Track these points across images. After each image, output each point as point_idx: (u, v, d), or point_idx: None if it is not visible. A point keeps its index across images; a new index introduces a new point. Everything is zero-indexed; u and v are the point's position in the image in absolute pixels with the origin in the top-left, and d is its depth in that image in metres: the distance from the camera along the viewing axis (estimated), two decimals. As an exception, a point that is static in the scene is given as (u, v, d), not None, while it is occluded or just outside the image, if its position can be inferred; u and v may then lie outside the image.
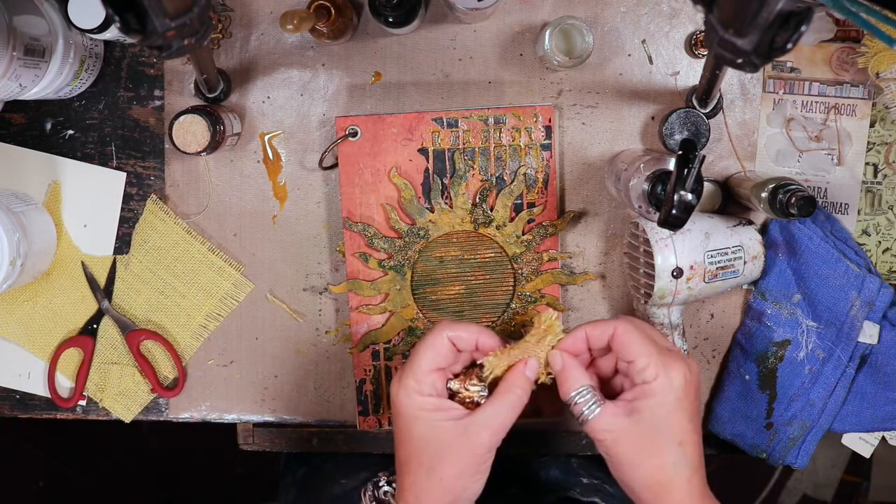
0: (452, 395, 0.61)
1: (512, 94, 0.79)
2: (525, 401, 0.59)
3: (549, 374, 0.62)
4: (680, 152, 0.58)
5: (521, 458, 0.92)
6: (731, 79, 0.78)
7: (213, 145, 0.73)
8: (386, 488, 0.61)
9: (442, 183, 0.78)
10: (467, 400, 0.60)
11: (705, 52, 0.77)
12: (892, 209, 0.79)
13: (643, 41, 0.79)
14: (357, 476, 0.91)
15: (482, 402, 0.60)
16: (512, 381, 0.59)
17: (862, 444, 0.81)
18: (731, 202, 0.79)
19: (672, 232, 0.71)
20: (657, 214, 0.61)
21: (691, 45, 0.78)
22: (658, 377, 0.56)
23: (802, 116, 0.79)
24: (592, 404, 0.57)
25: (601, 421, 0.57)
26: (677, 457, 0.56)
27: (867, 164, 0.79)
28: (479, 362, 0.61)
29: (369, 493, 0.62)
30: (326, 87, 0.80)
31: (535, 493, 0.83)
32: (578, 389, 0.58)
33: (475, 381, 0.61)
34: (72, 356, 0.83)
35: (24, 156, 0.81)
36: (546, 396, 0.78)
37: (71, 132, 0.81)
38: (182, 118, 0.73)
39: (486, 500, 0.83)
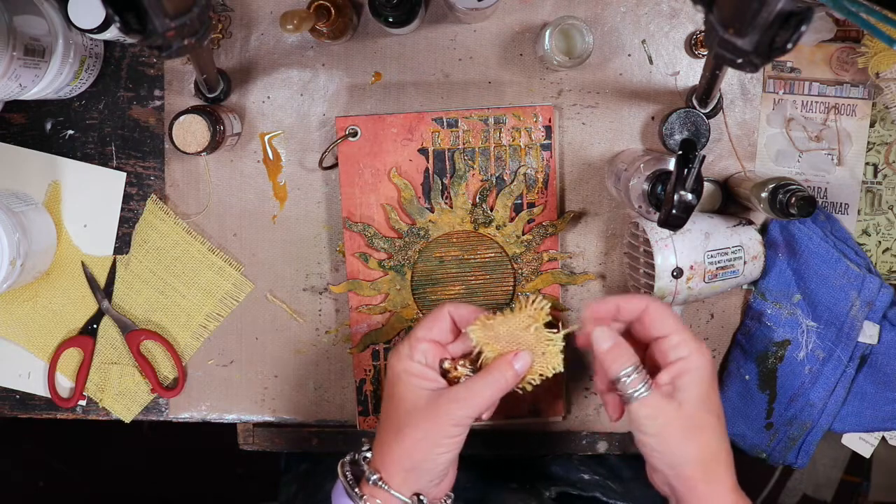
0: (445, 374, 0.63)
1: (512, 94, 0.79)
2: (506, 388, 0.60)
3: (541, 375, 0.62)
4: (680, 152, 0.58)
5: (521, 458, 0.92)
6: (731, 79, 0.78)
7: (213, 145, 0.73)
8: (366, 454, 0.63)
9: (442, 183, 0.78)
10: (454, 380, 0.62)
11: (705, 52, 0.77)
12: (892, 209, 0.79)
13: (643, 41, 0.79)
14: None
15: None
16: (496, 366, 0.60)
17: (862, 444, 0.81)
18: (731, 202, 0.79)
19: (672, 232, 0.71)
20: (657, 214, 0.61)
21: (691, 45, 0.78)
22: (692, 353, 0.57)
23: (802, 116, 0.79)
24: (642, 385, 0.57)
25: (650, 403, 0.57)
26: (719, 429, 0.58)
27: (867, 164, 0.79)
28: (464, 331, 0.63)
29: (347, 458, 0.63)
30: (326, 87, 0.80)
31: (535, 487, 0.83)
32: (627, 368, 0.58)
33: (466, 364, 0.63)
34: (72, 356, 0.83)
35: (24, 156, 0.81)
36: (546, 397, 0.78)
37: (71, 132, 0.81)
38: (182, 118, 0.73)
39: (486, 494, 0.83)
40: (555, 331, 0.62)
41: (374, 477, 0.59)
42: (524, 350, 0.61)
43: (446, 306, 0.63)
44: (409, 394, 0.60)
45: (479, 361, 0.62)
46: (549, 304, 0.63)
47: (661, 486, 0.61)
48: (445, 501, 0.63)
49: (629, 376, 0.58)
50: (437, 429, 0.59)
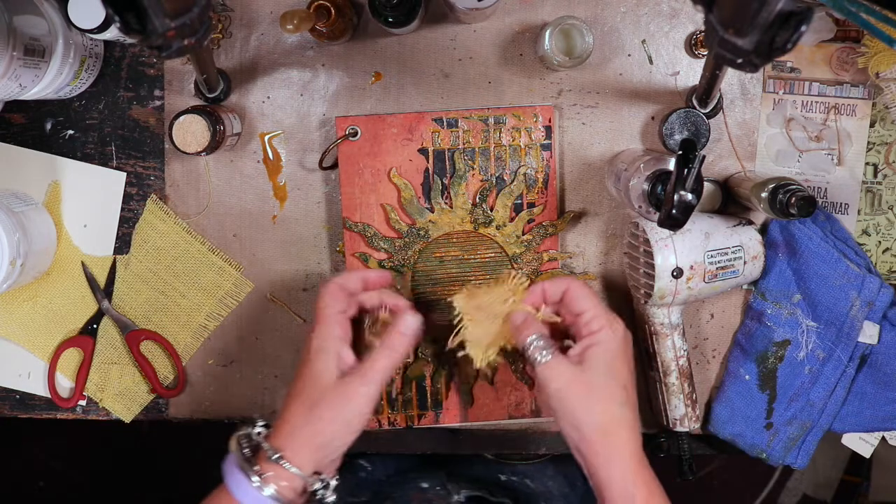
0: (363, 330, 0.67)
1: (512, 94, 0.79)
2: (399, 356, 0.63)
3: (502, 347, 0.66)
4: (680, 152, 0.58)
5: (508, 458, 0.93)
6: (731, 79, 0.78)
7: (213, 145, 0.73)
8: (260, 430, 0.62)
9: (442, 183, 0.78)
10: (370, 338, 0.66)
11: (705, 52, 0.77)
12: (892, 209, 0.79)
13: (643, 41, 0.79)
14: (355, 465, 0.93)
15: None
16: (388, 338, 0.63)
17: (862, 444, 0.81)
18: (731, 202, 0.79)
19: (672, 232, 0.71)
20: (657, 214, 0.61)
21: (691, 45, 0.78)
22: (604, 328, 0.62)
23: (802, 116, 0.79)
24: (545, 350, 0.61)
25: (552, 366, 0.61)
26: (623, 398, 0.61)
27: (867, 164, 0.79)
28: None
29: (241, 432, 0.62)
30: (326, 87, 0.80)
31: (446, 488, 0.84)
32: (532, 337, 0.62)
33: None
34: (72, 356, 0.83)
35: (24, 156, 0.81)
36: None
37: (71, 132, 0.81)
38: (182, 118, 0.73)
39: (396, 491, 0.83)
40: (534, 309, 0.66)
41: (276, 455, 0.59)
42: (409, 316, 0.64)
43: (331, 279, 0.65)
44: (325, 370, 0.61)
45: (455, 314, 0.66)
46: (527, 283, 0.67)
47: (574, 453, 0.63)
48: (335, 478, 0.63)
49: (533, 344, 0.62)
50: (351, 407, 0.61)
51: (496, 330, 0.67)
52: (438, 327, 0.78)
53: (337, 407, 0.60)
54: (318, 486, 0.60)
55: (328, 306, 0.64)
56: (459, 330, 0.68)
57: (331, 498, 0.61)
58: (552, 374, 0.61)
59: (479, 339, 0.68)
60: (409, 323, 0.64)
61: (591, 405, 0.60)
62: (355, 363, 0.63)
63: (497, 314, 0.67)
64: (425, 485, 0.85)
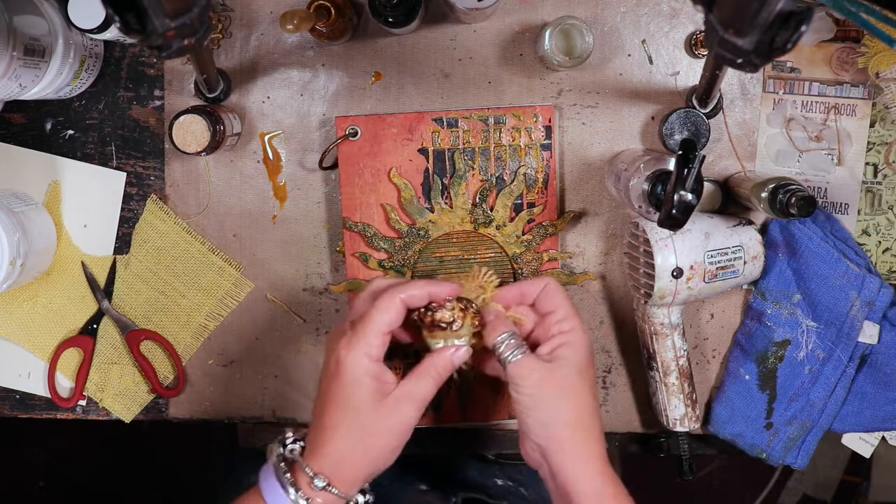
0: (424, 324, 0.62)
1: (512, 94, 0.79)
2: (444, 379, 0.62)
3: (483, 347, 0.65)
4: (680, 152, 0.58)
5: (508, 458, 0.93)
6: (731, 79, 0.78)
7: (213, 145, 0.73)
8: (293, 446, 0.61)
9: (442, 183, 0.78)
10: (443, 335, 0.62)
11: (705, 52, 0.77)
12: (892, 209, 0.79)
13: (643, 41, 0.79)
14: None
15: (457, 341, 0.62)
16: (438, 362, 0.62)
17: (862, 444, 0.81)
18: (731, 202, 0.79)
19: (672, 232, 0.71)
20: (657, 214, 0.61)
21: (691, 45, 0.78)
22: (574, 329, 0.62)
23: (802, 116, 0.79)
24: (516, 349, 0.61)
25: (524, 364, 0.60)
26: (591, 401, 0.61)
27: (867, 164, 0.79)
28: (437, 317, 0.63)
29: (277, 451, 0.61)
30: (326, 87, 0.80)
31: (443, 491, 0.84)
32: (503, 335, 0.61)
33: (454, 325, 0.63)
34: (72, 356, 0.83)
35: (24, 156, 0.81)
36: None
37: (71, 132, 0.81)
38: (182, 118, 0.73)
39: (395, 493, 0.83)
40: (499, 307, 0.65)
41: (323, 484, 0.58)
42: (463, 347, 0.62)
43: (396, 294, 0.60)
44: (370, 400, 0.59)
45: (448, 321, 0.63)
46: (497, 279, 0.66)
47: (532, 455, 0.62)
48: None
49: (504, 342, 0.61)
50: (401, 433, 0.60)
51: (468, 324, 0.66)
52: None
53: (387, 438, 0.59)
54: (362, 500, 0.60)
55: (378, 323, 0.59)
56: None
57: (370, 499, 0.62)
58: (523, 371, 0.60)
59: (459, 336, 0.66)
60: (461, 356, 0.62)
61: (561, 403, 0.60)
62: (395, 381, 0.60)
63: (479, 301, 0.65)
64: (424, 487, 0.85)
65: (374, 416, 0.58)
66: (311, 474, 0.58)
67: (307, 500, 0.57)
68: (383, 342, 0.60)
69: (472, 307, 0.63)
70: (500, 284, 0.66)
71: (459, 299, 0.63)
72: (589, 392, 0.61)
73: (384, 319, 0.59)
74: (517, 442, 0.84)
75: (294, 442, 0.61)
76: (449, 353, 0.62)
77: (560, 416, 0.60)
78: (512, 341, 0.61)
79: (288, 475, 0.58)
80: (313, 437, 0.60)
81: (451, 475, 0.89)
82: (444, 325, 0.62)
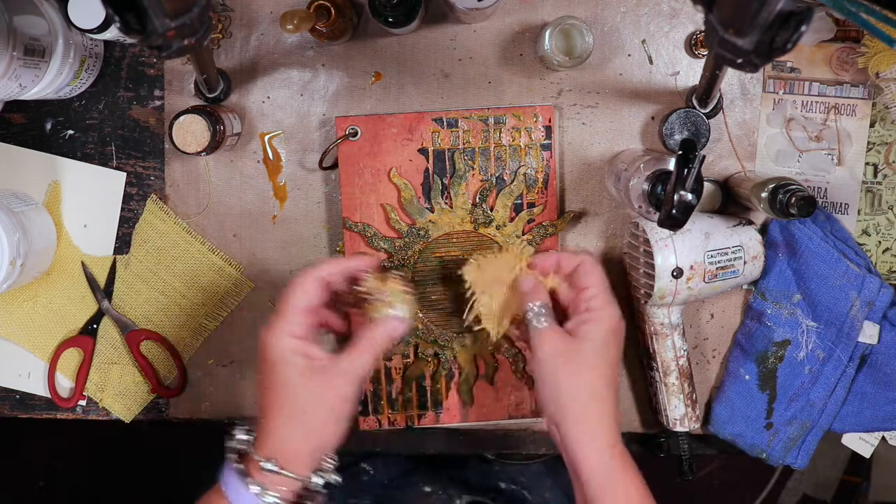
0: (355, 301, 0.64)
1: (512, 94, 0.79)
2: (381, 352, 0.63)
3: (515, 316, 0.68)
4: (680, 152, 0.58)
5: (508, 458, 0.93)
6: (731, 79, 0.78)
7: (213, 145, 0.73)
8: (243, 437, 0.61)
9: (442, 183, 0.78)
10: (373, 306, 0.63)
11: (705, 52, 0.77)
12: (892, 209, 0.79)
13: (643, 41, 0.79)
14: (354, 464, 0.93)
15: (385, 314, 0.63)
16: (374, 335, 0.62)
17: (862, 444, 0.81)
18: (731, 202, 0.79)
19: (672, 232, 0.71)
20: (657, 214, 0.61)
21: (691, 45, 0.78)
22: (603, 307, 0.63)
23: (802, 116, 0.79)
24: (544, 317, 0.64)
25: (547, 332, 0.63)
26: (609, 378, 0.62)
27: (867, 164, 0.79)
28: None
29: (231, 443, 0.61)
30: (326, 87, 0.80)
31: (447, 493, 0.84)
32: (537, 303, 0.64)
33: (388, 294, 0.64)
34: (72, 356, 0.83)
35: (24, 156, 0.81)
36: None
37: (71, 132, 0.81)
38: (182, 118, 0.73)
39: (399, 494, 0.84)
40: (542, 277, 0.68)
41: (272, 466, 0.58)
42: (396, 321, 0.63)
43: (312, 272, 0.62)
44: (299, 377, 0.59)
45: (466, 285, 0.68)
46: (533, 251, 0.70)
47: (549, 426, 0.63)
48: (332, 461, 0.63)
49: (533, 310, 0.64)
50: (337, 406, 0.60)
51: (506, 299, 0.69)
52: (438, 325, 0.78)
53: (323, 412, 0.59)
54: (320, 480, 0.60)
55: (296, 300, 0.61)
56: (473, 304, 0.69)
57: (335, 478, 0.62)
58: (545, 339, 0.62)
59: (492, 311, 0.70)
60: (399, 328, 0.63)
61: (576, 376, 0.61)
62: (328, 356, 0.61)
63: (505, 282, 0.68)
64: (428, 489, 0.85)
65: (306, 392, 0.59)
66: (258, 459, 0.59)
67: (261, 486, 0.58)
68: (304, 321, 0.61)
69: (393, 274, 0.64)
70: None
71: (383, 269, 0.65)
72: (606, 370, 0.62)
73: (301, 298, 0.61)
74: (517, 442, 0.84)
75: (245, 433, 0.61)
76: (385, 324, 0.63)
77: (572, 389, 0.61)
78: (542, 310, 0.64)
79: (240, 465, 0.59)
80: (258, 426, 0.61)
81: (453, 477, 0.88)
82: (365, 295, 0.63)
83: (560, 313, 0.66)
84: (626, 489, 0.60)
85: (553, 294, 0.67)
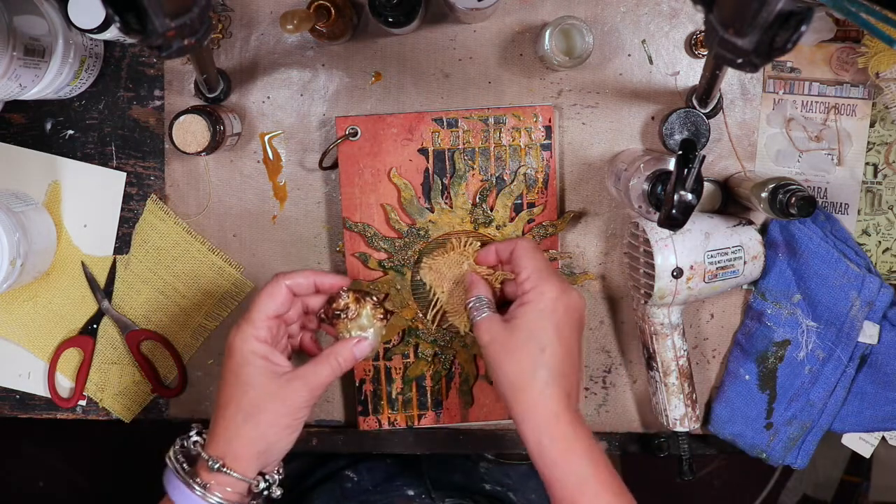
0: (327, 317, 0.66)
1: (512, 94, 0.79)
2: (343, 371, 0.64)
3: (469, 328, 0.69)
4: (680, 152, 0.58)
5: (508, 458, 0.93)
6: (731, 79, 0.78)
7: (213, 145, 0.73)
8: (196, 438, 0.62)
9: (442, 183, 0.78)
10: (343, 325, 0.65)
11: (705, 52, 0.77)
12: (892, 209, 0.79)
13: (643, 41, 0.79)
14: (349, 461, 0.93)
15: (357, 335, 0.65)
16: (338, 350, 0.64)
17: (862, 444, 0.81)
18: (731, 202, 0.79)
19: (672, 232, 0.71)
20: (657, 214, 0.61)
21: (691, 45, 0.78)
22: (533, 289, 0.63)
23: (802, 116, 0.79)
24: (483, 310, 0.66)
25: (485, 322, 0.64)
26: (537, 360, 0.61)
27: (867, 164, 0.79)
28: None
29: (177, 446, 0.62)
30: (326, 87, 0.80)
31: (430, 496, 0.84)
32: (476, 297, 0.67)
33: (362, 317, 0.65)
34: (72, 356, 0.83)
35: (24, 156, 0.81)
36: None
37: (71, 132, 0.81)
38: (182, 118, 0.73)
39: (382, 497, 0.84)
40: (491, 270, 0.71)
41: (217, 465, 0.59)
42: (364, 341, 0.65)
43: (281, 280, 0.64)
44: (257, 378, 0.61)
45: (423, 275, 0.72)
46: (478, 244, 0.74)
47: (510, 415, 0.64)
48: (279, 471, 0.64)
49: (472, 304, 0.66)
50: (289, 412, 0.61)
51: (462, 293, 0.72)
52: (438, 325, 0.79)
53: (276, 414, 0.60)
54: (262, 485, 0.61)
55: (263, 306, 0.62)
56: (435, 302, 0.75)
57: (277, 493, 0.62)
58: (483, 329, 0.64)
59: (455, 306, 0.74)
60: (363, 349, 0.65)
61: (507, 362, 0.62)
62: (290, 365, 0.63)
63: (458, 278, 0.73)
64: (411, 492, 0.85)
65: (263, 392, 0.60)
66: (206, 458, 0.60)
67: (205, 486, 0.59)
68: (270, 326, 0.63)
69: (369, 298, 0.66)
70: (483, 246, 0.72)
71: (357, 291, 0.66)
72: (537, 352, 0.61)
73: (268, 304, 0.63)
74: (517, 442, 0.84)
75: (198, 434, 0.63)
76: (351, 343, 0.64)
77: (504, 375, 0.62)
78: (480, 302, 0.66)
79: (185, 466, 0.60)
80: (211, 425, 0.62)
81: (437, 480, 0.89)
82: (339, 312, 0.65)
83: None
84: (571, 459, 0.59)
85: (507, 285, 0.70)
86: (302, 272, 0.65)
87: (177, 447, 0.62)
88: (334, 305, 0.65)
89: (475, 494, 0.87)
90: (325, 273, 0.66)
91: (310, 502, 0.87)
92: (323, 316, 0.67)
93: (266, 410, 0.60)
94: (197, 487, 0.59)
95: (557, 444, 0.59)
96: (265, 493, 0.62)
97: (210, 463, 0.59)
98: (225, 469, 0.59)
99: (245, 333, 0.62)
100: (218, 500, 0.59)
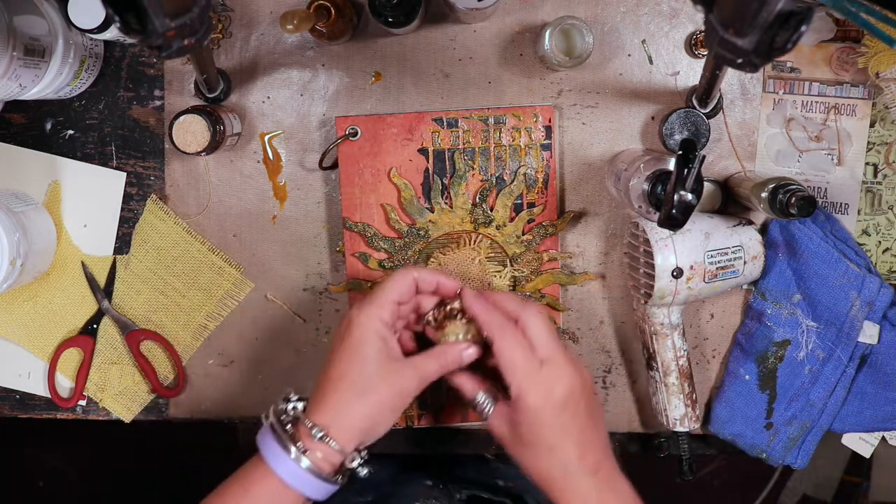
0: (436, 319, 0.67)
1: (512, 94, 0.79)
2: (447, 370, 0.65)
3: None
4: (680, 152, 0.58)
5: (440, 458, 0.94)
6: (731, 79, 0.78)
7: (213, 145, 0.73)
8: (296, 404, 0.63)
9: (442, 183, 0.78)
10: (452, 327, 0.66)
11: (705, 52, 0.77)
12: (892, 209, 0.79)
13: (643, 41, 0.79)
14: None
15: (458, 341, 0.66)
16: (448, 350, 0.65)
17: (862, 444, 0.81)
18: (731, 202, 0.79)
19: (672, 232, 0.71)
20: (657, 214, 0.61)
21: (691, 45, 0.78)
22: (522, 396, 0.61)
23: (802, 116, 0.79)
24: (487, 404, 0.64)
25: (492, 426, 0.64)
26: (547, 461, 0.62)
27: (867, 164, 0.79)
28: (449, 308, 0.68)
29: (278, 409, 0.63)
30: (326, 87, 0.80)
31: (447, 487, 0.85)
32: (475, 396, 0.65)
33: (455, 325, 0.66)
34: (72, 356, 0.83)
35: (24, 156, 0.81)
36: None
37: (71, 132, 0.81)
38: (182, 118, 0.73)
39: (401, 487, 0.84)
40: (500, 267, 0.73)
41: (321, 434, 0.60)
42: (473, 346, 0.65)
43: (411, 271, 0.65)
44: (377, 356, 0.62)
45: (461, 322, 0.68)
46: (489, 243, 0.75)
47: None
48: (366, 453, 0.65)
49: (477, 401, 0.65)
50: (401, 396, 0.62)
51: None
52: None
53: (387, 395, 0.61)
54: (357, 461, 0.62)
55: (390, 291, 0.64)
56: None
57: (364, 472, 0.63)
58: (494, 426, 0.64)
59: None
60: (471, 354, 0.65)
61: (522, 458, 0.63)
62: (401, 352, 0.64)
63: (470, 276, 0.75)
64: (429, 483, 0.86)
65: (378, 372, 0.61)
66: (309, 426, 0.60)
67: (305, 452, 0.59)
68: (393, 311, 0.64)
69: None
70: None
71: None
72: (545, 453, 0.61)
73: (396, 288, 0.64)
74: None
75: (298, 400, 0.63)
76: (461, 347, 0.65)
77: (528, 471, 0.63)
78: (481, 399, 0.64)
79: (289, 428, 0.61)
80: (316, 394, 0.62)
81: (453, 474, 0.89)
82: (455, 312, 0.66)
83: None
84: None
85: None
86: (428, 269, 0.68)
87: (279, 406, 0.63)
88: (451, 307, 0.66)
89: (489, 489, 0.88)
90: (446, 275, 0.68)
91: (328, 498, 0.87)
92: (431, 318, 0.67)
93: (379, 390, 0.61)
94: (294, 450, 0.59)
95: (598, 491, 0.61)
96: (356, 469, 0.62)
97: (314, 431, 0.60)
98: (328, 440, 0.60)
99: (369, 312, 0.63)
100: (308, 465, 0.59)
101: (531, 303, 0.67)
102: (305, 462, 0.59)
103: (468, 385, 0.66)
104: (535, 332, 0.62)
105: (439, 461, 0.91)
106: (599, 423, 0.65)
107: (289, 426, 0.61)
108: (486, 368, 0.66)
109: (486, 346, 0.65)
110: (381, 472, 0.90)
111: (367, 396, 0.61)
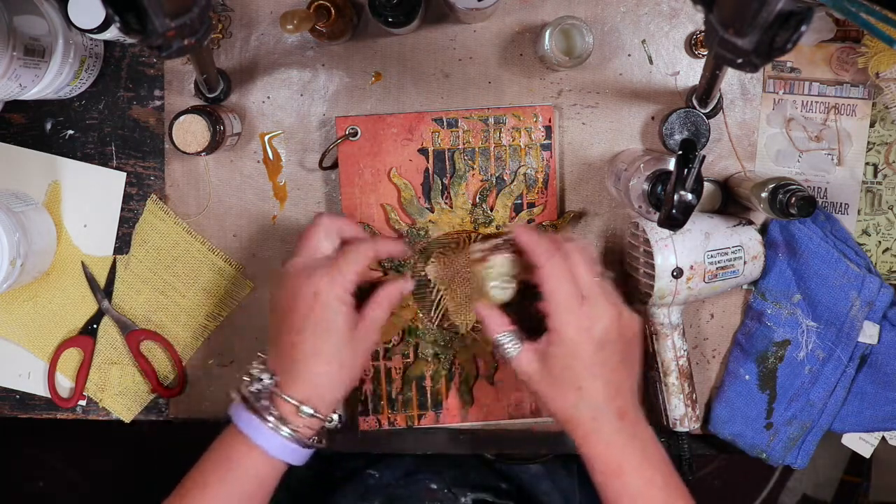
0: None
1: (512, 94, 0.79)
2: (395, 305, 0.69)
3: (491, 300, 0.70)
4: (680, 152, 0.58)
5: (509, 458, 0.94)
6: (731, 79, 0.78)
7: (213, 145, 0.73)
8: (267, 381, 0.64)
9: (442, 183, 0.78)
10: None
11: (705, 52, 0.77)
12: (892, 209, 0.79)
13: (643, 41, 0.79)
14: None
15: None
16: (390, 287, 0.68)
17: (862, 444, 0.81)
18: (731, 202, 0.79)
19: (672, 232, 0.71)
20: (657, 214, 0.61)
21: (691, 45, 0.78)
22: (560, 328, 0.62)
23: (802, 116, 0.79)
24: (513, 344, 0.65)
25: (520, 362, 0.64)
26: (576, 399, 0.62)
27: (867, 164, 0.79)
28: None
29: (252, 386, 0.64)
30: (326, 87, 0.80)
31: (452, 491, 0.85)
32: (498, 334, 0.65)
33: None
34: (72, 356, 0.83)
35: (24, 156, 0.81)
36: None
37: (71, 132, 0.81)
38: (182, 118, 0.73)
39: (408, 491, 0.84)
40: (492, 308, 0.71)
41: (311, 411, 0.62)
42: (408, 280, 0.70)
43: (373, 243, 0.68)
44: (343, 324, 0.64)
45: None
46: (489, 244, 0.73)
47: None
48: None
49: (501, 341, 0.65)
50: (368, 354, 0.67)
51: (468, 291, 0.73)
52: (438, 325, 0.78)
53: (362, 359, 0.66)
54: (334, 421, 0.66)
55: (354, 261, 0.65)
56: (439, 300, 0.75)
57: (339, 424, 0.67)
58: (519, 368, 0.64)
59: (457, 304, 0.75)
60: (407, 286, 0.70)
61: (550, 397, 0.63)
62: (357, 315, 0.66)
63: (465, 276, 0.74)
64: (434, 486, 0.86)
65: (350, 341, 0.64)
66: (295, 403, 0.62)
67: (286, 423, 0.62)
68: (355, 280, 0.66)
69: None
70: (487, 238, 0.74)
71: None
72: (573, 393, 0.62)
73: (360, 259, 0.66)
74: (517, 442, 0.84)
75: (263, 372, 0.65)
76: (399, 281, 0.69)
77: (553, 411, 0.63)
78: (507, 339, 0.65)
79: (265, 402, 0.62)
80: (287, 366, 0.64)
81: (456, 476, 0.89)
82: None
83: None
84: (628, 474, 0.61)
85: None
86: (384, 238, 0.73)
87: (256, 385, 0.64)
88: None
89: (493, 491, 0.88)
90: (388, 240, 0.72)
91: (335, 502, 0.87)
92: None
93: (353, 359, 0.64)
94: (275, 422, 0.61)
95: (632, 456, 0.62)
96: (333, 426, 0.66)
97: (303, 408, 0.62)
98: (315, 414, 0.62)
99: (335, 282, 0.64)
100: (290, 434, 0.61)
101: (579, 240, 0.68)
102: (286, 432, 0.61)
103: (495, 321, 0.66)
104: (580, 269, 0.63)
105: (442, 463, 0.91)
106: (632, 369, 0.65)
107: (263, 400, 0.62)
108: (521, 313, 0.68)
109: (523, 291, 0.67)
110: (387, 476, 0.90)
111: (344, 364, 0.64)
